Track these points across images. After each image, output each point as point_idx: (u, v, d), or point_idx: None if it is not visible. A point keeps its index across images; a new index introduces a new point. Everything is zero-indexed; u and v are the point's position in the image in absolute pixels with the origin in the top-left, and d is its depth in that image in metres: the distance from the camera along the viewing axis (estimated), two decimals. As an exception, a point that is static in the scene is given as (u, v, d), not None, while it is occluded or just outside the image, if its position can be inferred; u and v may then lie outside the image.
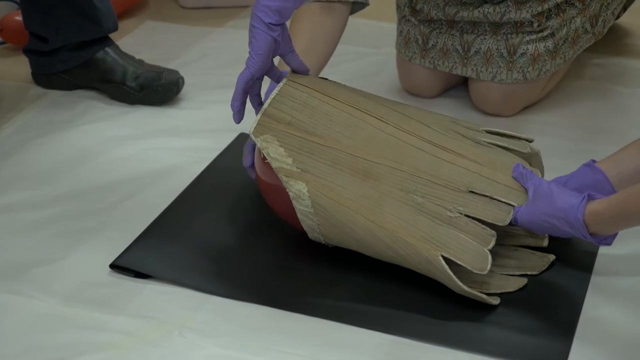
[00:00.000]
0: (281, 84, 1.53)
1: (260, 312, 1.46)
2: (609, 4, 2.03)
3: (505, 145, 1.53)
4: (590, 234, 1.38)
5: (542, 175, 1.56)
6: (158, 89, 2.03)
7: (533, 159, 1.55)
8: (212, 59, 2.28)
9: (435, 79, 2.06)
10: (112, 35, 2.10)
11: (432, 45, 2.01)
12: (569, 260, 1.53)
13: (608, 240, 1.40)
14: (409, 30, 2.04)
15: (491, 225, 1.44)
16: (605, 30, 2.06)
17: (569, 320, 1.43)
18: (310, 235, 1.53)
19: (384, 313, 1.45)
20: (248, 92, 1.53)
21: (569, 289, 1.49)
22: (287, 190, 1.49)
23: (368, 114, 1.52)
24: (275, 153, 1.49)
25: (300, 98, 1.52)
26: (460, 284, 1.41)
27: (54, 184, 1.78)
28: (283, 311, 1.45)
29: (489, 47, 1.95)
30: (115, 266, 1.54)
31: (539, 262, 1.53)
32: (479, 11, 1.94)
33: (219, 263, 1.56)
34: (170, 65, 2.15)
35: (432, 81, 2.07)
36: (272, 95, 1.52)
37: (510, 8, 1.92)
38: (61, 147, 1.90)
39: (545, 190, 1.42)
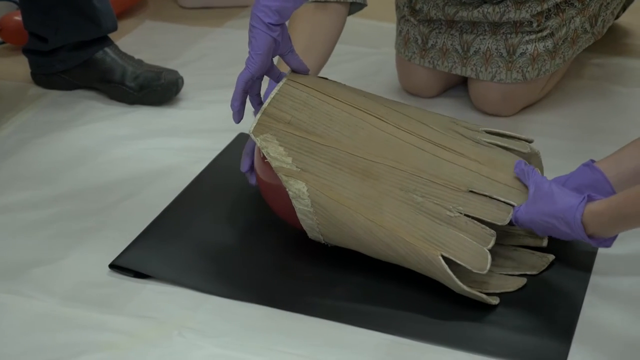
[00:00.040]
0: (281, 83, 1.53)
1: (260, 312, 1.46)
2: (608, 3, 2.03)
3: (505, 145, 1.53)
4: (590, 236, 1.38)
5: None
6: (157, 89, 2.03)
7: (533, 159, 1.55)
8: (211, 59, 2.28)
9: (434, 79, 2.06)
10: (111, 35, 2.10)
11: (432, 45, 2.01)
12: (568, 260, 1.53)
13: (607, 242, 1.40)
14: (408, 30, 2.04)
15: (491, 225, 1.44)
16: (605, 30, 2.06)
17: (569, 320, 1.43)
18: (309, 235, 1.53)
19: (384, 313, 1.45)
20: (248, 91, 1.53)
21: (568, 289, 1.49)
22: (287, 190, 1.49)
23: (368, 114, 1.52)
24: (275, 152, 1.49)
25: (300, 97, 1.52)
26: (460, 283, 1.41)
27: (53, 184, 1.78)
28: (282, 311, 1.45)
29: (488, 47, 1.95)
30: (115, 266, 1.54)
31: (539, 262, 1.53)
32: (478, 11, 1.94)
33: (218, 263, 1.56)
34: (170, 65, 2.14)
35: (431, 81, 2.07)
36: (272, 95, 1.52)
37: (509, 8, 1.92)
38: (60, 147, 1.90)
39: (546, 190, 1.41)
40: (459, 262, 1.41)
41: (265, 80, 1.57)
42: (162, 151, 1.88)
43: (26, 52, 2.13)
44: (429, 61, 2.02)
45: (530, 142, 1.55)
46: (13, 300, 1.49)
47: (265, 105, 1.52)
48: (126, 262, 1.54)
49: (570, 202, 1.38)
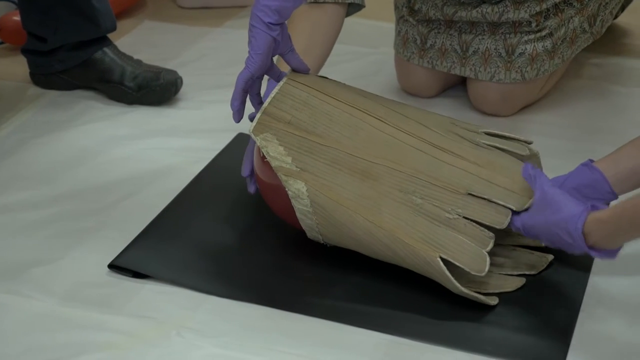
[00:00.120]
0: (281, 82, 1.53)
1: (259, 312, 1.46)
2: (607, 3, 2.03)
3: (505, 147, 1.53)
4: (592, 246, 1.35)
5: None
6: (156, 89, 2.03)
7: (532, 160, 1.55)
8: (210, 59, 2.28)
9: (433, 79, 2.06)
10: (110, 35, 2.10)
11: (431, 45, 2.01)
12: (567, 260, 1.53)
13: (612, 254, 1.36)
14: (407, 30, 2.04)
15: (489, 227, 1.44)
16: (604, 30, 2.06)
17: (567, 319, 1.43)
18: (309, 235, 1.54)
19: (383, 313, 1.45)
20: (248, 91, 1.53)
21: (567, 289, 1.49)
22: (286, 189, 1.49)
23: (368, 114, 1.52)
24: (275, 152, 1.49)
25: (300, 97, 1.52)
26: (458, 285, 1.41)
27: (52, 184, 1.78)
28: (282, 311, 1.45)
29: (487, 47, 1.96)
30: (114, 266, 1.54)
31: (538, 261, 1.53)
32: (477, 11, 1.94)
33: (218, 263, 1.56)
34: (169, 65, 2.14)
35: (430, 81, 2.07)
36: (272, 94, 1.52)
37: (508, 8, 1.92)
38: (59, 147, 1.90)
39: (550, 198, 1.39)
40: (457, 264, 1.41)
41: (265, 80, 1.57)
42: (161, 151, 1.88)
43: (25, 52, 2.13)
44: (428, 61, 2.02)
45: (529, 143, 1.55)
46: (12, 300, 1.49)
47: (265, 104, 1.52)
48: (125, 262, 1.54)
49: (573, 211, 1.36)
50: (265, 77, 1.55)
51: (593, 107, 2.04)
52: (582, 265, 1.53)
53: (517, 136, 1.55)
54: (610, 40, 2.27)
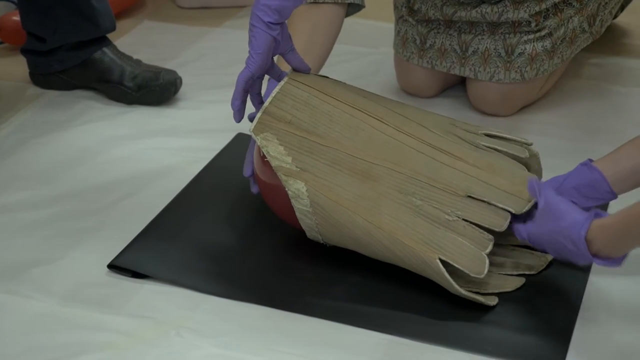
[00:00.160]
0: (282, 82, 1.53)
1: (258, 312, 1.46)
2: (606, 3, 2.03)
3: (504, 149, 1.53)
4: (596, 254, 1.35)
5: (541, 177, 1.56)
6: (156, 89, 2.03)
7: (532, 160, 1.55)
8: (209, 58, 2.28)
9: (433, 79, 2.06)
10: (109, 35, 2.10)
11: (430, 45, 2.01)
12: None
13: (616, 262, 1.35)
14: (406, 30, 2.04)
15: (489, 230, 1.44)
16: (603, 29, 2.06)
17: (567, 319, 1.43)
18: (308, 235, 1.53)
19: (383, 313, 1.45)
20: (248, 91, 1.53)
21: (567, 289, 1.49)
22: (286, 189, 1.49)
23: (368, 115, 1.52)
24: (275, 151, 1.49)
25: (301, 97, 1.52)
26: (457, 287, 1.41)
27: (52, 184, 1.78)
28: (281, 311, 1.45)
29: (486, 47, 1.96)
30: (113, 266, 1.54)
31: (537, 261, 1.53)
32: (476, 11, 1.94)
33: (217, 263, 1.56)
34: (168, 65, 2.14)
35: (430, 81, 2.07)
36: (273, 94, 1.52)
37: (507, 8, 1.92)
38: (59, 147, 1.90)
39: (555, 207, 1.39)
40: (456, 265, 1.41)
41: (266, 80, 1.57)
42: (160, 151, 1.88)
43: (24, 52, 2.13)
44: (428, 61, 2.02)
45: (529, 144, 1.55)
46: (12, 300, 1.49)
47: (266, 104, 1.52)
48: (124, 262, 1.54)
49: (576, 218, 1.35)
50: (266, 76, 1.55)
51: (592, 107, 2.04)
52: (581, 265, 1.53)
53: (516, 137, 1.55)
54: (609, 40, 2.28)
